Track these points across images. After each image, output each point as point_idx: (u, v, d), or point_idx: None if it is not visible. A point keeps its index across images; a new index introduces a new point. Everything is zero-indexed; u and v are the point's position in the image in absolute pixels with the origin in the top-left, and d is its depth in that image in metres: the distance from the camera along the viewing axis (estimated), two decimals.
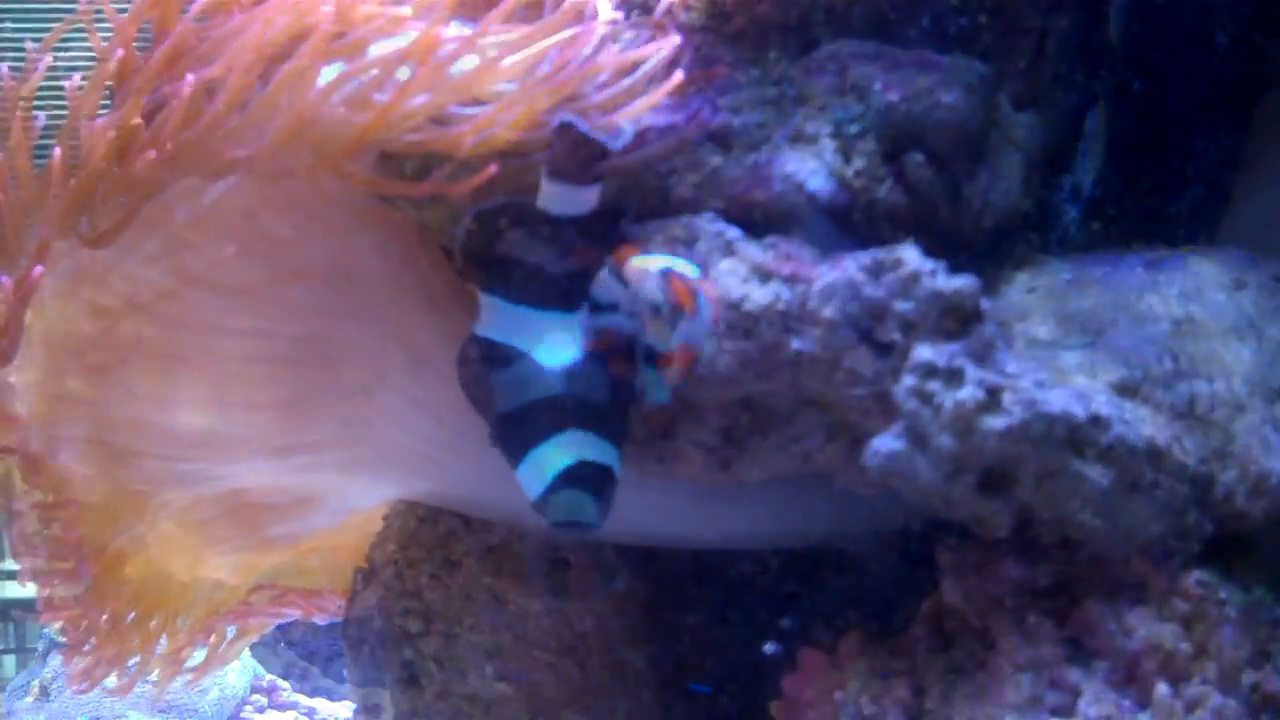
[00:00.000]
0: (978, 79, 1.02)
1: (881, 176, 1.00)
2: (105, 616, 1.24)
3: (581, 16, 1.02)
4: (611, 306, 0.98)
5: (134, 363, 1.10)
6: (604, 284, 0.97)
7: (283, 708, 2.83)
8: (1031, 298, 1.02)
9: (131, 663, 1.29)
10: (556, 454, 0.97)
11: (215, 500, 1.21)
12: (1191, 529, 0.92)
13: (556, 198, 1.00)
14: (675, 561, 1.24)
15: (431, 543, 1.26)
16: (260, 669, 2.89)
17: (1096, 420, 0.90)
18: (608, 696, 1.23)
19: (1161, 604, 0.92)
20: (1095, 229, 1.16)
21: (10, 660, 3.59)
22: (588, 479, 0.96)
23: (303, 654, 2.96)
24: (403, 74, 0.98)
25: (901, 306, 0.93)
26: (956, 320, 0.93)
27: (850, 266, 0.94)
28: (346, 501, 1.28)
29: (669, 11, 1.05)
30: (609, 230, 1.02)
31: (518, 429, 1.00)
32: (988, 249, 1.04)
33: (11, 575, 3.22)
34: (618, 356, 0.98)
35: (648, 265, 0.96)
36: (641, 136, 1.01)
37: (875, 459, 0.93)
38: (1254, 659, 0.90)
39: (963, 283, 0.93)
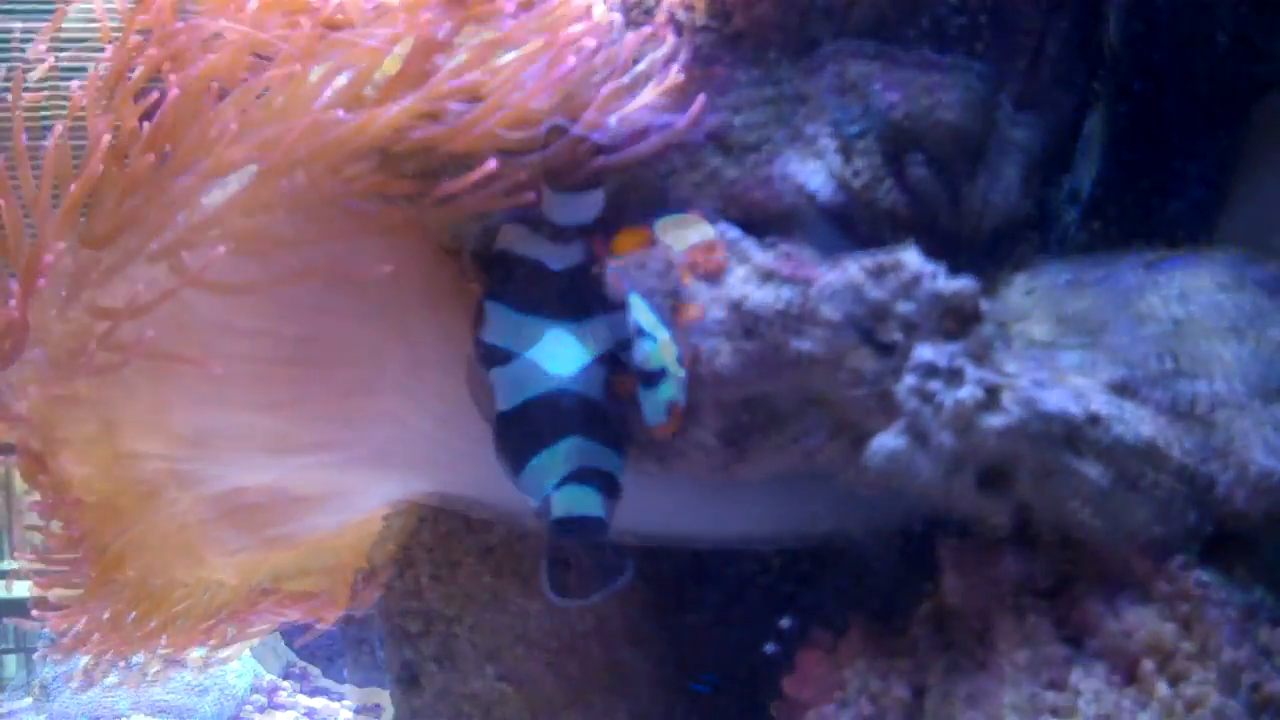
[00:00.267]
0: (978, 79, 1.03)
1: (882, 177, 1.01)
2: (106, 615, 1.24)
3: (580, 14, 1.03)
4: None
5: (136, 363, 1.08)
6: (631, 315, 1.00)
7: (282, 708, 2.84)
8: (1030, 298, 1.02)
9: (133, 662, 1.29)
10: (559, 460, 0.99)
11: (216, 499, 1.20)
12: (1190, 528, 0.93)
13: (561, 206, 1.02)
14: (676, 560, 1.24)
15: (432, 543, 1.27)
16: (260, 669, 2.89)
17: (1094, 419, 0.92)
18: (608, 696, 1.24)
19: (1161, 603, 0.93)
20: (1094, 229, 1.16)
21: (11, 660, 3.60)
22: (591, 479, 0.99)
23: (303, 654, 2.97)
24: (391, 66, 0.99)
25: (903, 308, 0.94)
26: (956, 321, 0.95)
27: (852, 268, 0.96)
28: (348, 501, 1.27)
29: (669, 12, 1.06)
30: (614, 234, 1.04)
31: (519, 435, 1.02)
32: (987, 250, 1.05)
33: (13, 576, 3.22)
34: (622, 374, 1.01)
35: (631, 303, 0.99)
36: (640, 135, 1.02)
37: (877, 457, 0.94)
38: (1254, 659, 0.91)
39: (962, 284, 0.95)
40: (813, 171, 1.01)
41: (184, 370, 1.05)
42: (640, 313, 0.99)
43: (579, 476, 0.99)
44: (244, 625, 1.34)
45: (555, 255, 1.04)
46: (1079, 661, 0.93)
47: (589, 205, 1.03)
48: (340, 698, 2.84)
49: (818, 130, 1.02)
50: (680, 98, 1.04)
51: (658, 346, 0.98)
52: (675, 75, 1.03)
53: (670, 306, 1.00)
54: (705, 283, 1.00)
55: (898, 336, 0.95)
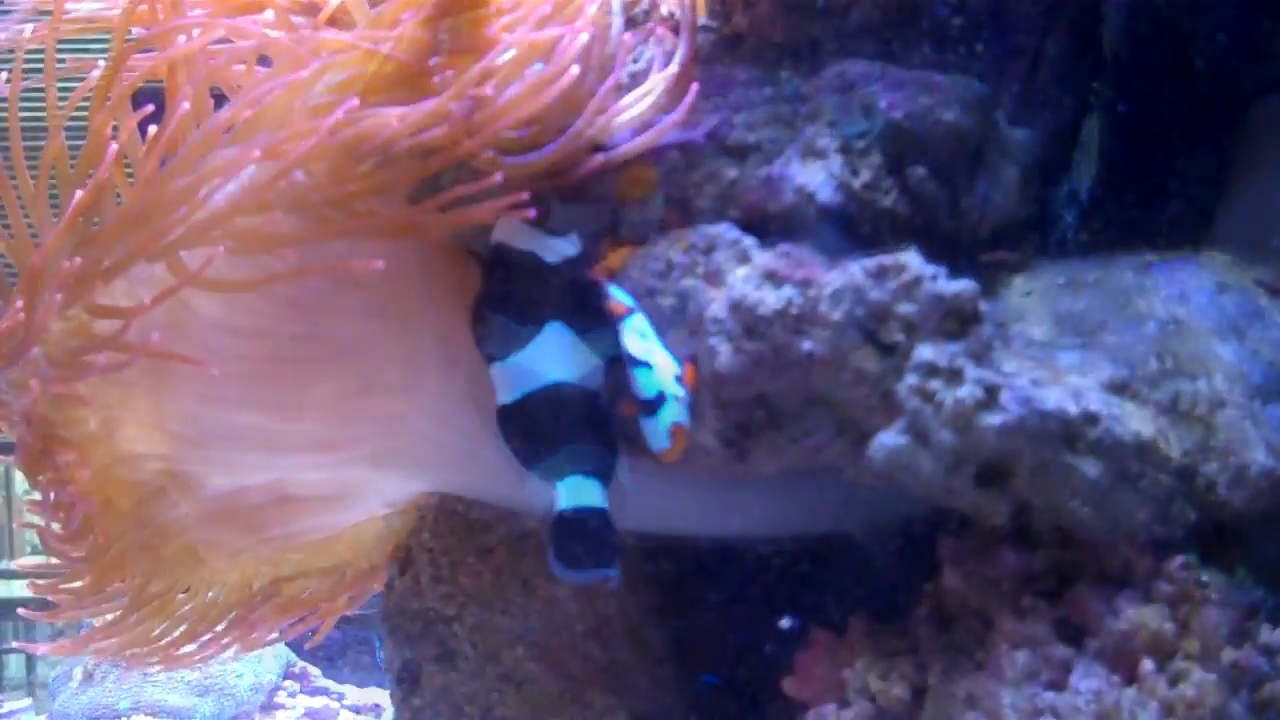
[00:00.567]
0: (975, 97, 1.04)
1: (886, 187, 1.02)
2: (109, 618, 1.24)
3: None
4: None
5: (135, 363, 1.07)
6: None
7: (314, 693, 2.83)
8: (1028, 300, 1.03)
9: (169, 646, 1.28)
10: (564, 453, 1.02)
11: (216, 500, 1.20)
12: (1177, 517, 0.94)
13: (568, 217, 1.04)
14: (677, 560, 1.25)
15: (432, 543, 1.27)
16: (293, 656, 2.90)
17: (1088, 416, 0.93)
18: (630, 674, 1.24)
19: (1148, 587, 0.94)
20: (1093, 231, 1.17)
21: (12, 660, 3.56)
22: (594, 471, 1.01)
23: (303, 655, 2.94)
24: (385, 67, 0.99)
25: (904, 309, 0.95)
26: (956, 322, 0.96)
27: (856, 271, 0.97)
28: (348, 502, 1.27)
29: (669, 11, 1.07)
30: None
31: (525, 429, 1.03)
32: (987, 251, 1.06)
33: (13, 575, 3.19)
34: (626, 399, 1.02)
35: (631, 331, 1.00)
36: (639, 133, 1.03)
37: (880, 453, 0.95)
38: (1234, 637, 0.92)
39: (962, 286, 0.96)
40: (822, 182, 1.02)
41: (183, 370, 1.05)
42: (632, 341, 1.00)
43: (582, 469, 1.01)
44: (246, 632, 1.33)
45: (551, 247, 1.05)
46: (1079, 661, 0.94)
47: (595, 215, 1.05)
48: (340, 698, 2.83)
49: (818, 131, 1.04)
50: (679, 97, 1.04)
51: (653, 373, 1.00)
52: (673, 74, 1.03)
53: (672, 307, 1.02)
54: (707, 283, 1.02)
55: (899, 337, 0.95)
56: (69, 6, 1.10)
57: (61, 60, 1.06)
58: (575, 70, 1.00)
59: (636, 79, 1.08)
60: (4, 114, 1.07)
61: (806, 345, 0.97)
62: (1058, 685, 0.94)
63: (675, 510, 1.17)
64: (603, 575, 1.03)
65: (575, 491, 1.02)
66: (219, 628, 1.31)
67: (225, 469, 1.18)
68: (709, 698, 1.26)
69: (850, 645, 1.05)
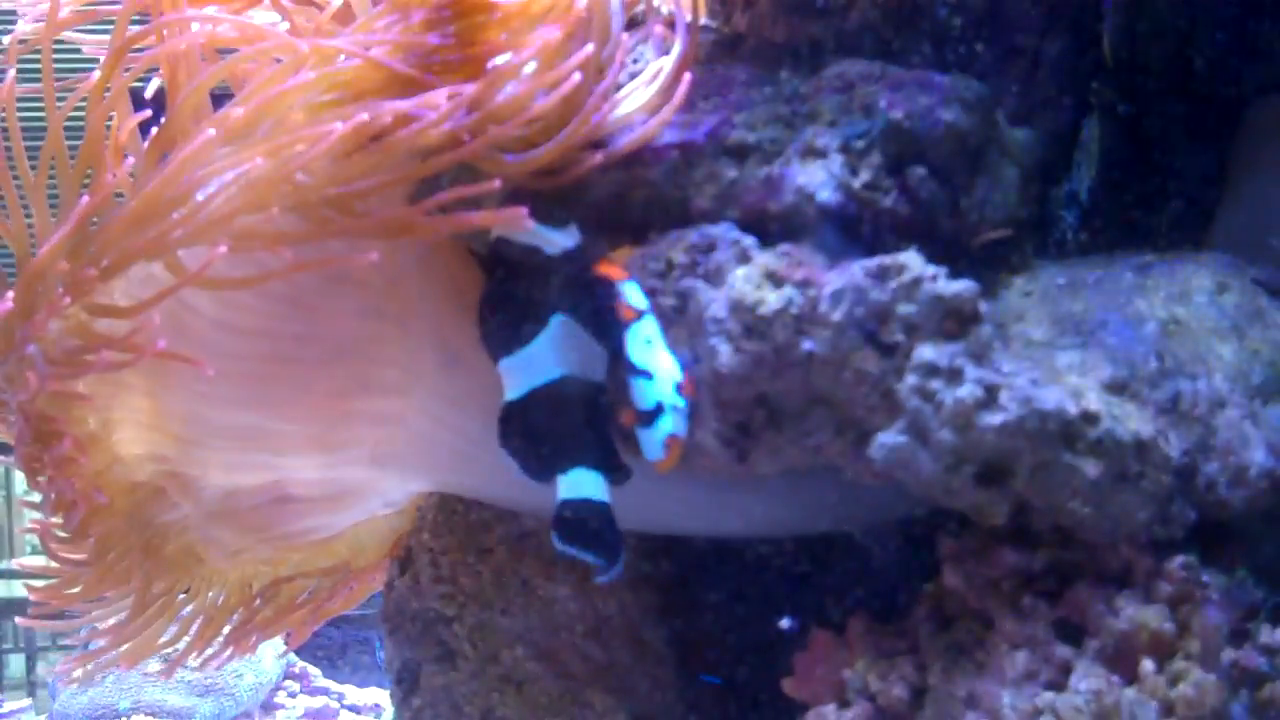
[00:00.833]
0: (976, 97, 1.04)
1: (886, 187, 1.02)
2: (110, 621, 1.25)
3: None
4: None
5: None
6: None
7: (314, 693, 2.83)
8: (1027, 301, 1.04)
9: (169, 648, 1.29)
10: (566, 446, 1.02)
11: (215, 500, 1.20)
12: (1176, 517, 0.95)
13: (545, 240, 1.04)
14: (677, 561, 1.25)
15: (432, 543, 1.27)
16: (292, 655, 2.90)
17: (1088, 416, 0.93)
18: (630, 674, 1.24)
19: (1148, 587, 0.94)
20: (1092, 232, 1.17)
21: (15, 660, 3.55)
22: (595, 464, 1.02)
23: (303, 655, 2.95)
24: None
25: (905, 309, 0.96)
26: (956, 322, 0.96)
27: (856, 272, 0.97)
28: (348, 502, 1.27)
29: (669, 10, 1.07)
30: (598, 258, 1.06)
31: (530, 424, 1.03)
32: (986, 255, 1.06)
33: (13, 575, 3.19)
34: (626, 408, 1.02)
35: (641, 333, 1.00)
36: (660, 152, 1.04)
37: (880, 453, 0.95)
38: (1234, 637, 0.93)
39: (962, 287, 0.96)
40: (813, 172, 1.02)
41: (182, 369, 1.04)
42: (637, 348, 1.00)
43: (585, 462, 1.02)
44: (246, 636, 1.33)
45: (551, 240, 1.05)
46: (1079, 661, 0.94)
47: (566, 238, 1.05)
48: (340, 697, 2.84)
49: (818, 131, 1.04)
50: (674, 91, 1.05)
51: (653, 384, 1.00)
52: (670, 69, 1.03)
53: (672, 307, 1.02)
54: (707, 282, 1.01)
55: (900, 337, 0.96)
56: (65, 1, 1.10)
57: (64, 56, 1.07)
58: (578, 77, 1.01)
59: (633, 77, 1.09)
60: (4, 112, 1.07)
61: (807, 345, 0.97)
62: (1058, 685, 0.94)
63: (675, 510, 1.17)
64: (604, 567, 1.03)
65: (577, 485, 1.02)
66: (224, 630, 1.31)
67: (224, 469, 1.18)
68: (709, 698, 1.26)
69: (850, 645, 1.06)
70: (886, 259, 0.97)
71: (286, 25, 1.07)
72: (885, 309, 0.96)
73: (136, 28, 1.06)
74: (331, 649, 2.98)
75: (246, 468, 1.19)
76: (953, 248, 1.03)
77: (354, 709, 2.83)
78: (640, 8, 1.14)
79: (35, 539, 1.21)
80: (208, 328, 1.09)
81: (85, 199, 1.01)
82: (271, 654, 2.77)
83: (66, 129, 1.05)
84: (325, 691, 2.91)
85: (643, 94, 1.06)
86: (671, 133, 1.05)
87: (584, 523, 1.02)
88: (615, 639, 1.24)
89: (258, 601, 1.32)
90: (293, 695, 2.84)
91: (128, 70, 1.06)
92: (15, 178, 1.07)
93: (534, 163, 1.03)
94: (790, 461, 1.03)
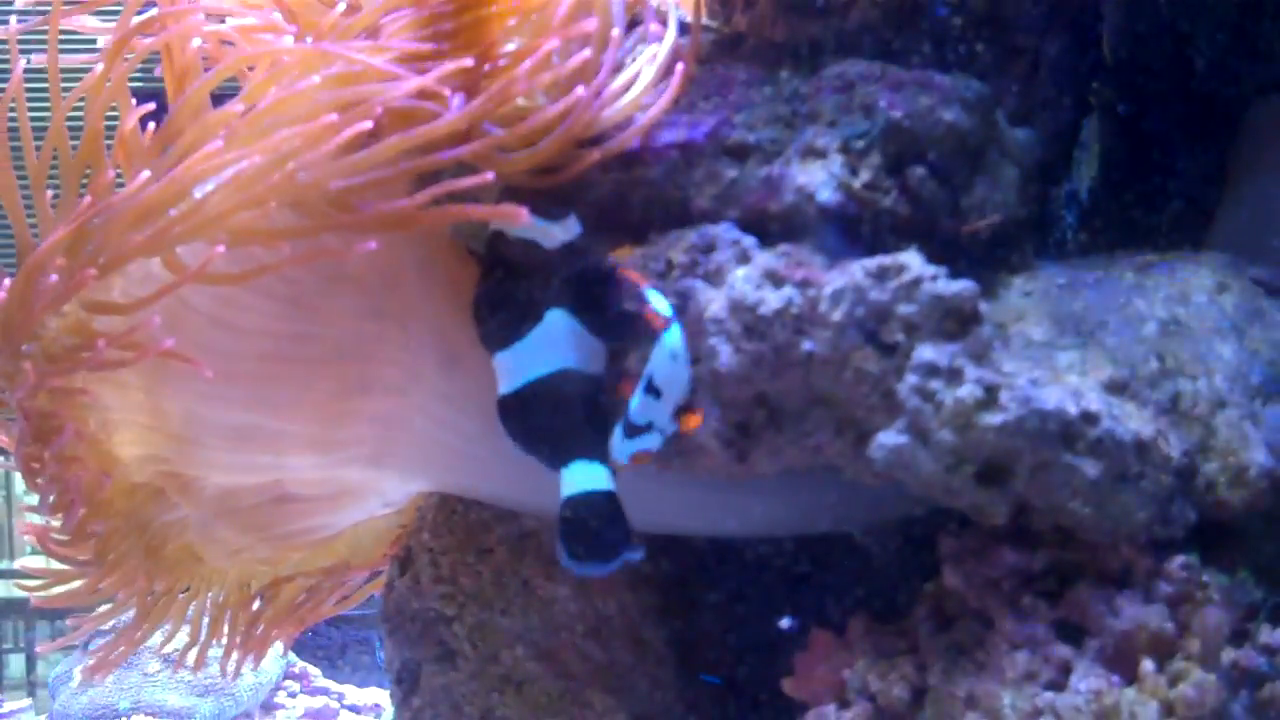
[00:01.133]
0: (976, 97, 1.04)
1: (886, 188, 1.02)
2: (111, 623, 1.25)
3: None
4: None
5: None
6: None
7: (314, 693, 2.84)
8: (1027, 300, 1.04)
9: (171, 648, 1.29)
10: (568, 439, 1.02)
11: (214, 500, 1.20)
12: (1176, 517, 0.95)
13: (543, 233, 1.04)
14: (677, 561, 1.25)
15: (432, 542, 1.27)
16: (293, 656, 2.91)
17: (1087, 416, 0.93)
18: (630, 674, 1.24)
19: (1148, 587, 0.95)
20: (1092, 232, 1.17)
21: (15, 660, 3.56)
22: (600, 456, 1.01)
23: (303, 654, 2.95)
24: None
25: (905, 309, 0.96)
26: (956, 322, 0.96)
27: (856, 272, 0.97)
28: (347, 502, 1.27)
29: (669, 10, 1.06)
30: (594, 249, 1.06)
31: (529, 418, 1.03)
32: (986, 255, 1.06)
33: (13, 575, 3.19)
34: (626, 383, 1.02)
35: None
36: (660, 152, 1.04)
37: (880, 452, 0.95)
38: (1234, 637, 0.93)
39: (962, 286, 0.96)
40: (813, 172, 1.02)
41: (180, 369, 1.04)
42: (660, 364, 0.99)
43: (586, 454, 1.01)
44: (246, 638, 1.33)
45: (548, 233, 1.05)
46: (1079, 661, 0.94)
47: (567, 228, 1.05)
48: (340, 697, 2.84)
49: (818, 131, 1.04)
50: (677, 96, 1.05)
51: (657, 404, 0.99)
52: (662, 62, 1.03)
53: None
54: (707, 282, 1.01)
55: (900, 337, 0.96)
56: None
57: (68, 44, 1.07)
58: (581, 91, 1.01)
59: (633, 76, 1.08)
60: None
61: (807, 345, 0.97)
62: (1058, 685, 0.94)
63: (675, 510, 1.17)
64: (620, 562, 1.02)
65: (580, 477, 1.02)
66: (225, 628, 1.31)
67: (224, 469, 1.18)
68: (709, 698, 1.26)
69: (850, 645, 1.06)
70: (886, 259, 0.97)
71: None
72: (885, 309, 0.96)
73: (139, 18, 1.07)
74: (331, 649, 2.99)
75: (246, 468, 1.18)
76: (953, 248, 1.03)
77: (354, 709, 2.83)
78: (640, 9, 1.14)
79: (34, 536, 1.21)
80: (207, 327, 1.09)
81: (86, 197, 1.01)
82: (271, 654, 2.76)
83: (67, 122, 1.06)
84: (325, 691, 2.91)
85: (640, 84, 1.06)
86: (671, 132, 1.05)
87: (586, 524, 1.01)
88: (615, 639, 1.24)
89: (257, 602, 1.32)
90: (293, 695, 2.85)
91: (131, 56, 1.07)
92: (20, 174, 1.07)
93: (533, 159, 1.03)
94: (790, 461, 1.03)
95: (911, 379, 0.95)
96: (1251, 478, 0.96)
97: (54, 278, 1.01)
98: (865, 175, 1.02)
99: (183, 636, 1.32)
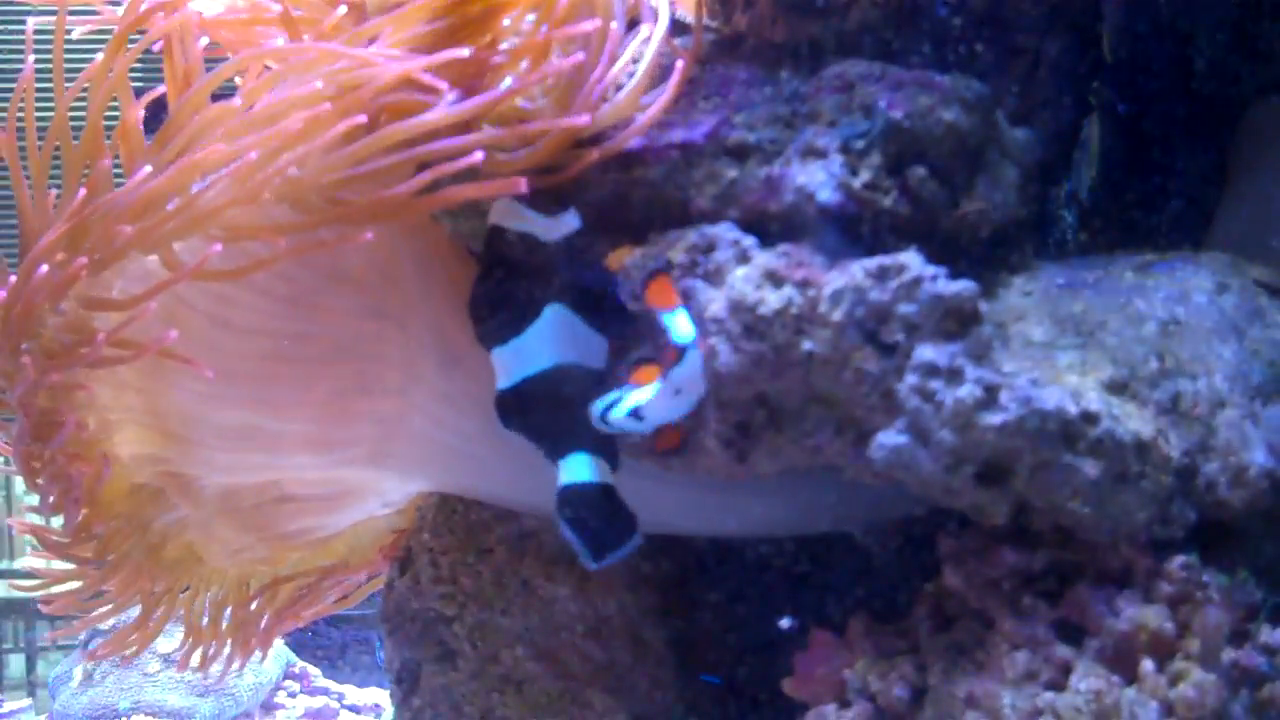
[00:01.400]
0: (976, 97, 1.04)
1: (886, 188, 1.02)
2: (110, 623, 1.25)
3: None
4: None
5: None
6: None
7: (314, 693, 2.84)
8: (1027, 300, 1.03)
9: (171, 649, 1.31)
10: (567, 432, 1.02)
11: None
12: (1176, 517, 0.95)
13: (542, 227, 1.05)
14: (677, 561, 1.25)
15: (432, 542, 1.27)
16: (293, 656, 2.91)
17: (1087, 416, 0.93)
18: (630, 674, 1.24)
19: (1148, 587, 0.94)
20: (1092, 232, 1.17)
21: (15, 660, 3.56)
22: (597, 447, 1.02)
23: (303, 654, 2.95)
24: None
25: (905, 309, 0.95)
26: (956, 322, 0.96)
27: (856, 272, 0.97)
28: (347, 501, 1.28)
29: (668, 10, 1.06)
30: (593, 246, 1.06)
31: (528, 413, 1.04)
32: (986, 255, 1.06)
33: (13, 575, 3.19)
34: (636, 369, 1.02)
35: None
36: (660, 152, 1.04)
37: (880, 453, 0.95)
38: (1234, 637, 0.93)
39: (962, 286, 0.96)
40: (813, 172, 1.02)
41: (179, 368, 1.05)
42: (661, 398, 0.99)
43: (585, 446, 1.01)
44: (246, 639, 1.33)
45: (548, 227, 1.05)
46: (1079, 661, 0.94)
47: (566, 223, 1.05)
48: (340, 697, 2.84)
49: (818, 131, 1.03)
50: (677, 96, 1.05)
51: (643, 427, 1.00)
52: (655, 59, 1.03)
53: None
54: (707, 282, 1.01)
55: (899, 337, 0.95)
56: None
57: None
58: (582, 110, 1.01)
59: (632, 75, 1.08)
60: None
61: (807, 345, 0.97)
62: (1058, 685, 0.94)
63: (675, 510, 1.17)
64: (626, 552, 1.02)
65: (577, 468, 1.02)
66: (223, 627, 1.31)
67: (223, 469, 1.18)
68: (709, 698, 1.26)
69: (850, 645, 1.06)
70: (886, 259, 0.97)
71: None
72: (885, 309, 0.96)
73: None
74: (331, 649, 2.99)
75: (245, 467, 1.19)
76: (953, 248, 1.03)
77: (354, 709, 2.83)
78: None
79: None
80: (207, 327, 1.09)
81: (83, 191, 1.01)
82: (271, 654, 2.76)
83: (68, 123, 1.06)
84: (325, 691, 2.91)
85: (636, 79, 1.06)
86: (672, 132, 1.05)
87: (592, 517, 1.01)
88: (615, 639, 1.24)
89: (255, 603, 1.33)
90: (293, 695, 2.85)
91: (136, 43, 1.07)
92: (25, 171, 1.08)
93: (532, 159, 1.03)
94: (790, 461, 1.03)
95: (911, 379, 0.95)
96: (1251, 478, 0.95)
97: (46, 269, 1.01)
98: (865, 175, 1.02)
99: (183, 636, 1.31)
